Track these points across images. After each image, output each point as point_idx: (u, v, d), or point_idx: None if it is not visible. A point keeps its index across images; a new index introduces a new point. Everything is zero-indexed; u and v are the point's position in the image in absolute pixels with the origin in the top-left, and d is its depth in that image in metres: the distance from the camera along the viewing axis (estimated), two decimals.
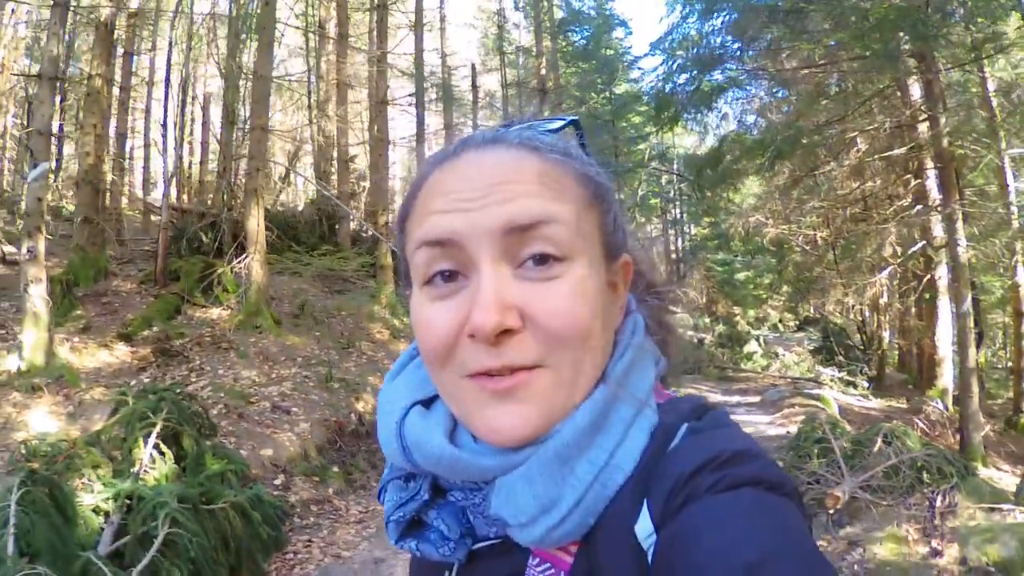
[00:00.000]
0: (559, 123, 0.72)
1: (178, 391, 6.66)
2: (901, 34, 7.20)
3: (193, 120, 21.25)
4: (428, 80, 15.92)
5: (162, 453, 5.40)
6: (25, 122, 15.36)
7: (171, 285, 10.53)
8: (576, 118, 0.74)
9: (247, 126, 11.95)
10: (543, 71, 18.32)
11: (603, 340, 0.62)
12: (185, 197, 19.09)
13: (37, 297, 7.90)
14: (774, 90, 10.24)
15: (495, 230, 0.58)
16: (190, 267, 10.50)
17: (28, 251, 8.00)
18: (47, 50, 8.60)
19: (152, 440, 5.35)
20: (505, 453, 0.59)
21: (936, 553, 4.32)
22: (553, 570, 0.59)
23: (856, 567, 4.40)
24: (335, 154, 16.75)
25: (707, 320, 18.96)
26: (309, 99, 17.81)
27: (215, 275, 10.38)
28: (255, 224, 9.09)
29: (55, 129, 8.85)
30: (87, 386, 7.49)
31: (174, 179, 14.91)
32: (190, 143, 21.46)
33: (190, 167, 20.74)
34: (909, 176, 11.68)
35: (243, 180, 12.52)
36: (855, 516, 5.06)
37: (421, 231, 0.62)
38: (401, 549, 0.67)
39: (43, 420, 6.90)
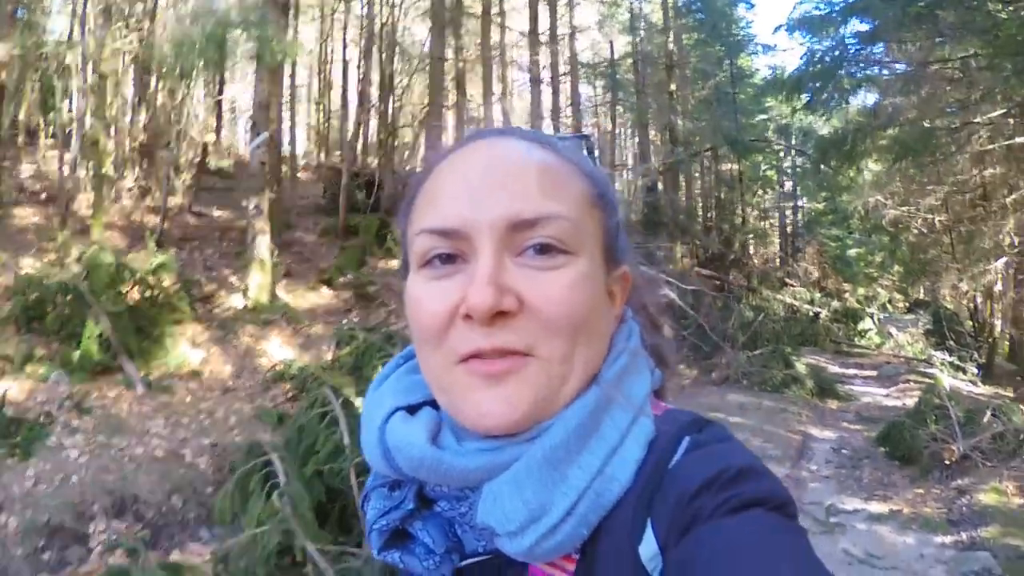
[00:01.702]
0: (569, 136, 0.73)
1: (382, 330, 8.23)
2: None
3: (331, 87, 22.88)
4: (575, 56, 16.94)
5: None
6: None
7: (350, 238, 12.21)
8: (587, 135, 0.75)
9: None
10: (671, 46, 19.12)
11: (597, 341, 0.62)
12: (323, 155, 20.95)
13: (263, 246, 9.61)
14: (902, 86, 10.68)
15: (499, 223, 0.58)
16: (369, 223, 12.14)
17: (255, 207, 9.69)
18: (258, 37, 9.99)
19: None
20: (490, 454, 0.58)
21: None
22: None
23: (964, 509, 5.50)
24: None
25: (819, 295, 19.38)
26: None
27: (389, 231, 11.98)
28: None
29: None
30: (309, 322, 9.18)
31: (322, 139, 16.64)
32: (321, 106, 23.18)
33: (328, 129, 22.45)
34: None
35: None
36: (965, 471, 6.15)
37: (426, 219, 0.62)
38: (383, 560, 0.65)
39: (279, 349, 8.60)
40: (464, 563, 0.63)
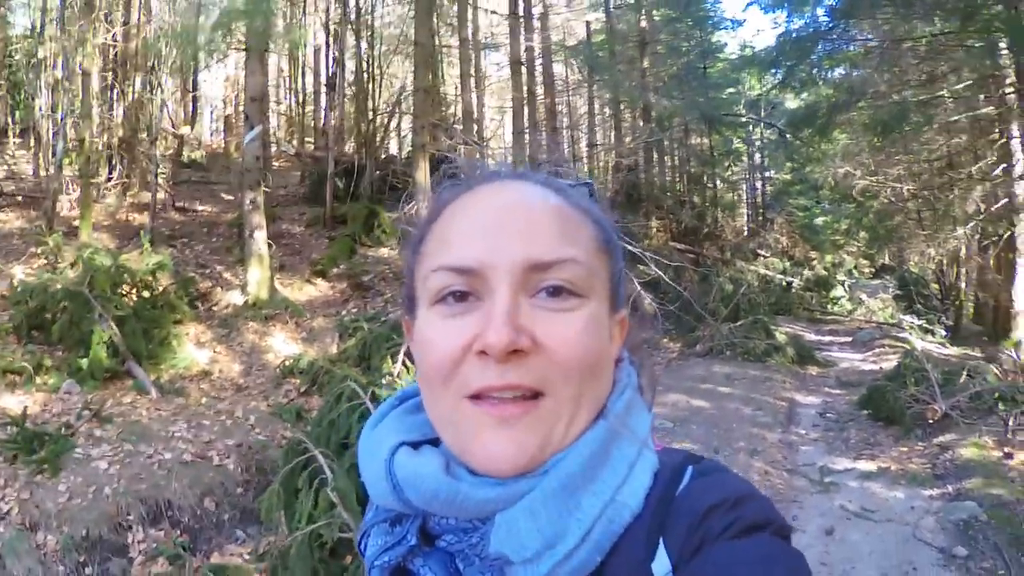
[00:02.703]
0: (576, 182, 0.74)
1: (383, 319, 8.38)
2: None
3: (304, 73, 22.61)
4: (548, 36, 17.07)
5: (406, 367, 7.15)
6: None
7: (338, 228, 12.31)
8: (591, 182, 0.76)
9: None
10: (643, 23, 19.35)
11: (603, 380, 0.64)
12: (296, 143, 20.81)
13: (260, 240, 9.63)
14: (876, 63, 11.05)
15: (517, 264, 0.60)
16: (356, 212, 12.24)
17: (251, 202, 9.69)
18: (254, 29, 9.96)
19: (400, 356, 7.09)
20: (507, 484, 0.59)
21: (1008, 456, 5.81)
22: None
23: (947, 464, 5.95)
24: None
25: (788, 264, 19.92)
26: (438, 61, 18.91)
27: (377, 219, 12.09)
28: (422, 175, 10.59)
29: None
30: (310, 315, 9.31)
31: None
32: (293, 92, 22.97)
33: (302, 116, 22.26)
34: (995, 136, 12.31)
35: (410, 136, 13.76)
36: (945, 429, 6.61)
37: (443, 256, 0.63)
38: None
39: (284, 344, 8.71)
40: None
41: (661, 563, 0.56)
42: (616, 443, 0.62)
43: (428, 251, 0.66)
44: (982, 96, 11.28)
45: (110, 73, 12.41)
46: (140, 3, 13.04)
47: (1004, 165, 11.29)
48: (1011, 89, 10.18)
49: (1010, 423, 6.31)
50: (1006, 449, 5.96)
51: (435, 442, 0.66)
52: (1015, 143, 11.29)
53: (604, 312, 0.65)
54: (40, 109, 13.66)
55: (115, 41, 12.01)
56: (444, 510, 0.61)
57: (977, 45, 8.31)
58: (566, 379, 0.60)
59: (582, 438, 0.61)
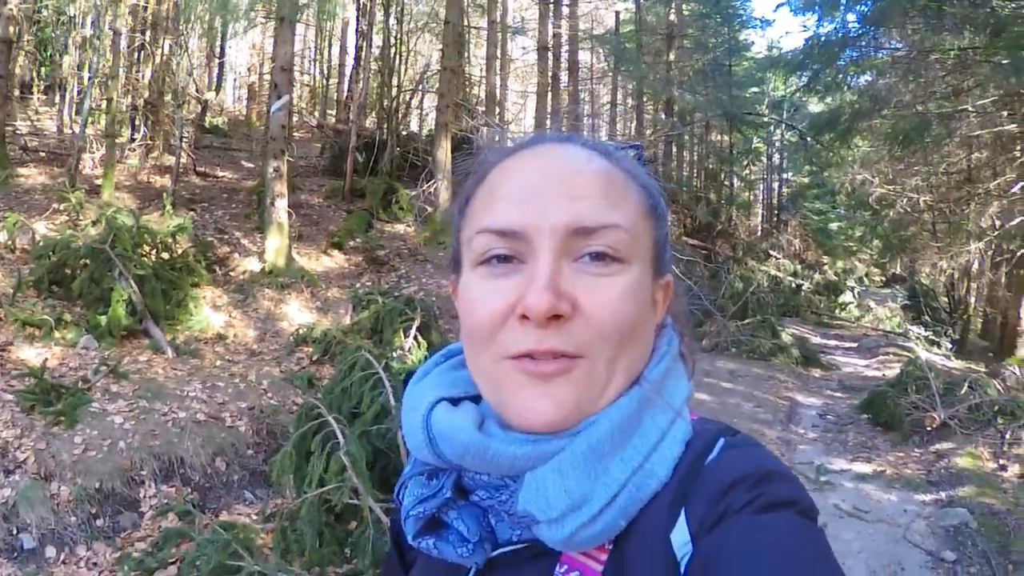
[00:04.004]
0: (625, 144, 0.75)
1: (396, 294, 8.47)
2: None
3: (330, 46, 22.67)
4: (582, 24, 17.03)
5: (417, 342, 7.25)
6: None
7: (356, 202, 12.40)
8: (639, 144, 0.76)
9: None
10: (672, 16, 19.31)
11: (642, 346, 0.65)
12: (317, 115, 20.89)
13: (281, 209, 9.72)
14: (902, 72, 11.06)
15: (560, 228, 0.60)
16: (375, 187, 12.33)
17: (274, 170, 9.77)
18: None
19: (412, 331, 7.19)
20: (536, 443, 0.60)
21: (1002, 468, 5.91)
22: None
23: (942, 471, 6.05)
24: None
25: (799, 266, 19.89)
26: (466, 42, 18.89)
27: (395, 195, 12.18)
28: (443, 154, 10.66)
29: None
30: (325, 286, 9.43)
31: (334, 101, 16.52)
32: (318, 64, 23.00)
33: (326, 88, 22.36)
34: (1016, 153, 12.28)
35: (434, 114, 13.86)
36: (943, 437, 6.71)
37: (487, 218, 0.64)
38: (417, 547, 0.67)
39: (298, 313, 8.82)
40: (497, 552, 0.64)
41: (680, 532, 0.57)
42: (649, 410, 0.63)
43: (473, 212, 0.67)
44: (1006, 113, 11.24)
45: (139, 34, 12.49)
46: None
47: (1023, 183, 11.29)
48: None
49: (1007, 436, 6.40)
50: (1001, 461, 6.06)
51: (476, 399, 0.68)
52: None
53: (647, 278, 0.65)
54: (67, 67, 13.80)
55: (146, 2, 12.07)
56: (475, 465, 0.62)
57: (1004, 61, 8.30)
58: (604, 343, 0.60)
59: (615, 403, 0.61)
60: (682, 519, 0.57)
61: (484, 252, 0.63)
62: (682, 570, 0.56)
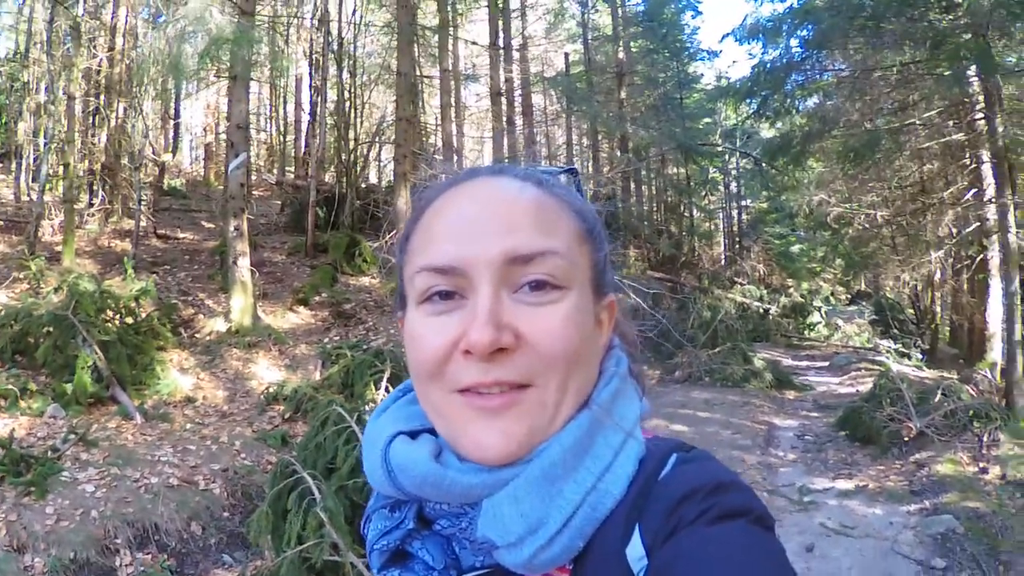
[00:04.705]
0: (557, 169, 0.76)
1: (365, 347, 8.41)
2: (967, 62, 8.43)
3: (286, 102, 22.77)
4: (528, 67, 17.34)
5: (389, 393, 7.17)
6: None
7: (319, 256, 12.35)
8: (574, 167, 0.77)
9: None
10: (620, 55, 19.79)
11: (588, 368, 0.66)
12: (275, 172, 20.90)
13: (244, 268, 9.63)
14: (848, 92, 11.42)
15: (496, 259, 0.61)
16: (337, 241, 12.30)
17: (235, 229, 9.70)
18: (240, 56, 10.02)
19: (384, 383, 7.12)
20: (491, 471, 0.61)
21: (983, 471, 5.96)
22: None
23: (924, 480, 6.08)
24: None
25: (764, 291, 20.16)
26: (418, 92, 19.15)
27: (358, 248, 12.16)
28: (403, 203, 10.68)
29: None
30: (293, 343, 9.31)
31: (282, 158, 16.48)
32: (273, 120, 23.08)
33: (283, 144, 22.40)
34: (966, 161, 12.63)
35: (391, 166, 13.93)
36: (922, 447, 6.77)
37: (425, 257, 0.64)
38: None
39: (267, 371, 8.69)
40: None
41: (635, 548, 0.57)
42: (601, 432, 0.63)
43: (412, 250, 0.68)
44: (952, 123, 11.61)
45: (94, 98, 12.44)
46: (125, 29, 13.12)
47: (975, 190, 11.40)
48: (980, 115, 10.46)
49: (984, 439, 6.48)
50: (981, 464, 6.12)
51: (434, 431, 0.68)
52: (985, 168, 11.42)
53: (587, 300, 0.66)
54: (23, 133, 13.67)
55: (99, 66, 12.05)
56: (434, 495, 0.63)
57: (946, 73, 8.61)
58: (551, 370, 0.61)
59: (566, 427, 0.62)
60: (636, 534, 0.58)
61: (426, 290, 0.64)
62: None
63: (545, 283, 0.62)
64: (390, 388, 7.03)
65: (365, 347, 8.28)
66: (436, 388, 0.63)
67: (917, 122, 11.23)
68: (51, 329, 7.19)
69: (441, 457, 0.64)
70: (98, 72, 12.21)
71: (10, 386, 6.49)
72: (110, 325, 7.72)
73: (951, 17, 8.65)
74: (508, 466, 0.61)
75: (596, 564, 0.59)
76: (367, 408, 6.64)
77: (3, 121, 15.32)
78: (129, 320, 8.10)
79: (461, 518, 0.63)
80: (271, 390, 7.93)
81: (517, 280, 0.62)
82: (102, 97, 12.47)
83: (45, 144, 11.33)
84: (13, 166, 14.31)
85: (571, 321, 0.62)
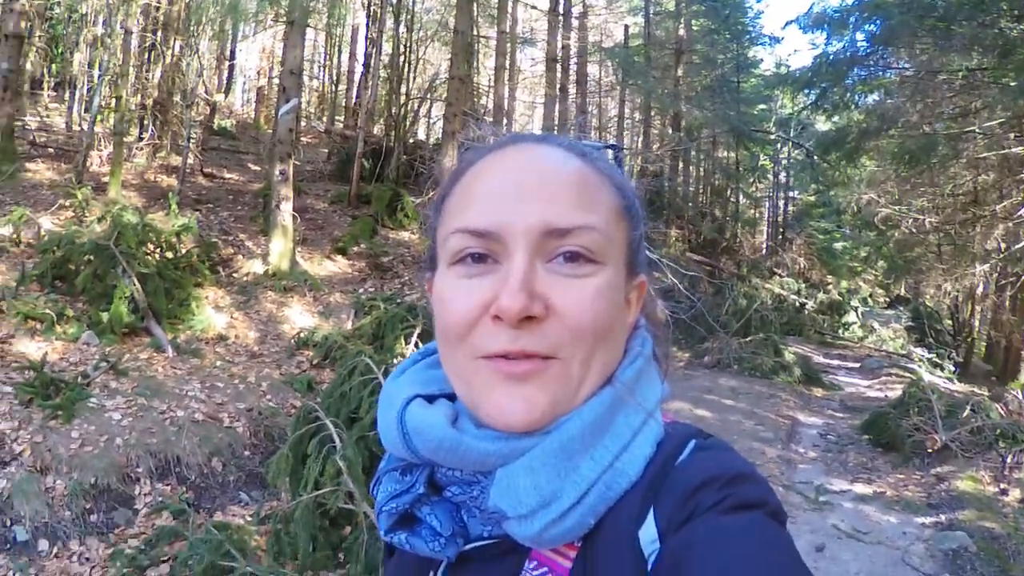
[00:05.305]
0: (601, 144, 0.75)
1: (398, 301, 8.46)
2: None
3: (340, 51, 22.77)
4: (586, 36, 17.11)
5: (418, 348, 7.24)
6: None
7: (361, 208, 12.42)
8: (616, 144, 0.78)
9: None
10: (680, 32, 19.38)
11: (615, 346, 0.65)
12: (325, 121, 20.95)
13: (286, 212, 9.73)
14: (910, 92, 11.10)
15: (534, 229, 0.61)
16: (381, 194, 12.35)
17: (280, 173, 9.79)
18: (299, 2, 9.99)
19: (414, 338, 7.18)
20: (508, 439, 0.61)
21: (1003, 492, 5.86)
22: (551, 574, 0.60)
23: (942, 493, 6.01)
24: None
25: (803, 285, 19.87)
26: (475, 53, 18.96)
27: (400, 203, 12.20)
28: (450, 162, 10.64)
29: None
30: (328, 290, 9.42)
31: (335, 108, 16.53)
32: (327, 69, 23.11)
33: (335, 94, 22.43)
34: (1022, 176, 12.26)
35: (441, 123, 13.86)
36: (944, 460, 6.66)
37: (462, 219, 0.64)
38: (389, 542, 0.68)
39: (301, 316, 8.81)
40: (469, 547, 0.65)
41: (648, 531, 0.57)
42: (622, 411, 0.63)
43: (449, 211, 0.67)
44: (1013, 135, 11.24)
45: (151, 34, 12.56)
46: None
47: None
48: None
49: (1008, 460, 6.35)
50: (1002, 485, 6.02)
51: (451, 397, 0.68)
52: None
53: (620, 278, 0.66)
54: (78, 64, 13.88)
55: (159, 2, 12.14)
56: (447, 460, 0.62)
57: (1012, 84, 8.32)
58: (578, 343, 0.61)
59: (588, 403, 0.62)
60: (651, 517, 0.57)
61: (459, 251, 0.63)
62: (649, 568, 0.56)
63: (580, 255, 0.62)
64: (420, 344, 7.06)
65: (399, 301, 8.29)
66: (461, 352, 0.63)
67: (977, 130, 10.87)
68: (92, 258, 7.30)
69: (458, 423, 0.64)
70: (157, 8, 12.28)
71: (47, 310, 6.61)
72: (150, 258, 7.84)
73: (1022, 27, 8.32)
74: (526, 436, 0.61)
75: (607, 543, 0.59)
76: (395, 361, 6.70)
77: (59, 51, 15.56)
78: (169, 255, 8.22)
79: (473, 486, 0.63)
80: (302, 335, 8.03)
81: (552, 251, 0.62)
82: (159, 33, 12.53)
83: (99, 76, 11.47)
84: (67, 96, 14.57)
85: (602, 296, 0.62)
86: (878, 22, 10.11)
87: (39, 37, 14.30)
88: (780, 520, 0.57)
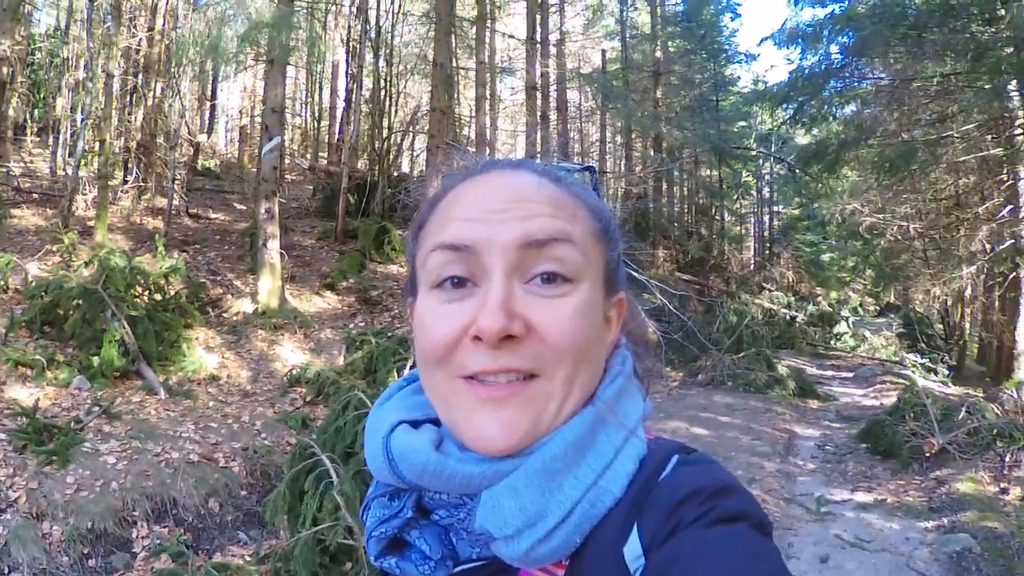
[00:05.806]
0: (576, 167, 0.76)
1: (389, 334, 8.46)
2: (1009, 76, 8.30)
3: (321, 88, 22.94)
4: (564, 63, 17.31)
5: None
6: None
7: (348, 243, 12.44)
8: (592, 166, 0.78)
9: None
10: (658, 54, 19.64)
11: (595, 364, 0.66)
12: (308, 157, 21.04)
13: (273, 250, 9.73)
14: (887, 101, 11.29)
15: (511, 243, 0.62)
16: (367, 228, 12.38)
17: (266, 211, 9.81)
18: (278, 40, 10.05)
19: (406, 370, 7.16)
20: (491, 462, 0.61)
21: (1004, 491, 5.86)
22: None
23: (943, 497, 5.99)
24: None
25: (792, 298, 19.93)
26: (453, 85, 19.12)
27: (387, 236, 12.23)
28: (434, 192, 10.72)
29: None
30: (318, 327, 9.40)
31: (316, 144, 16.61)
32: (309, 106, 23.26)
33: (317, 130, 22.57)
34: (1003, 177, 12.42)
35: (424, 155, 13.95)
36: (943, 463, 6.66)
37: (440, 236, 0.65)
38: (380, 567, 0.68)
39: (293, 354, 8.78)
40: (458, 569, 0.65)
41: (633, 547, 0.57)
42: (604, 429, 0.63)
43: (427, 235, 0.68)
44: (990, 137, 11.42)
45: (132, 76, 12.63)
46: (166, 9, 13.30)
47: (1011, 206, 11.32)
48: (1019, 131, 10.31)
49: (1007, 459, 6.36)
50: (1002, 484, 6.01)
51: (436, 422, 0.68)
52: (1022, 184, 11.37)
53: (598, 296, 0.66)
54: (61, 108, 13.92)
55: (139, 45, 12.23)
56: (433, 484, 0.62)
57: (986, 87, 8.48)
58: (559, 362, 0.61)
59: (569, 422, 0.62)
60: (635, 533, 0.58)
61: (439, 274, 0.64)
62: None
63: (557, 275, 0.62)
64: None
65: (390, 334, 8.31)
66: (442, 374, 0.63)
67: (955, 135, 11.05)
68: (81, 302, 7.30)
69: (442, 447, 0.64)
70: (137, 51, 12.38)
71: (38, 356, 6.59)
72: (139, 301, 7.83)
73: (993, 30, 8.51)
74: (509, 457, 0.61)
75: (592, 561, 0.59)
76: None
77: (42, 96, 15.62)
78: (158, 297, 8.21)
79: (460, 508, 0.63)
80: (294, 372, 8.01)
81: (530, 269, 0.62)
82: (140, 76, 12.62)
83: (82, 120, 11.51)
84: (50, 141, 14.59)
85: (581, 315, 0.62)
86: (851, 34, 10.28)
87: (21, 82, 14.34)
88: (765, 531, 0.57)
